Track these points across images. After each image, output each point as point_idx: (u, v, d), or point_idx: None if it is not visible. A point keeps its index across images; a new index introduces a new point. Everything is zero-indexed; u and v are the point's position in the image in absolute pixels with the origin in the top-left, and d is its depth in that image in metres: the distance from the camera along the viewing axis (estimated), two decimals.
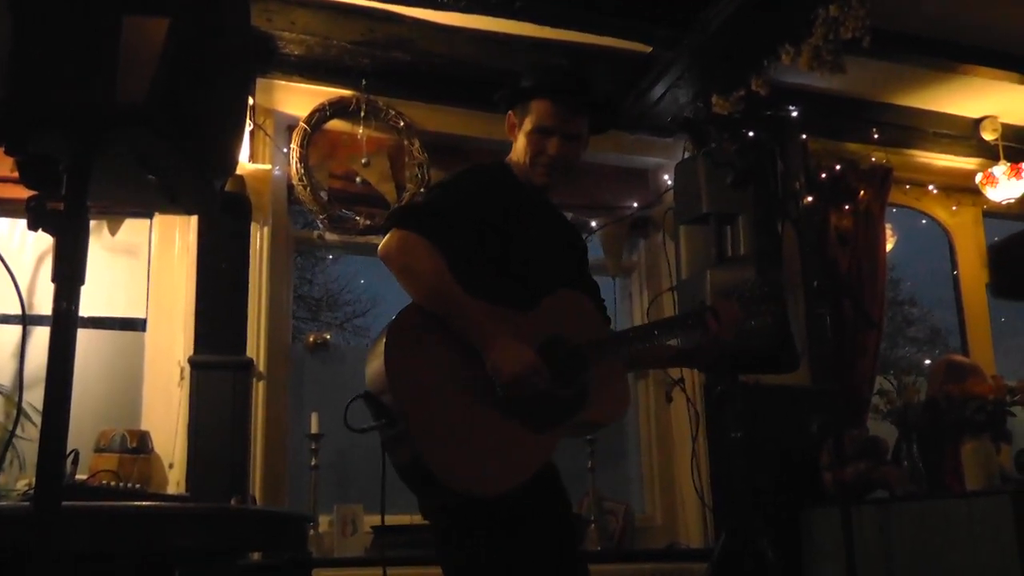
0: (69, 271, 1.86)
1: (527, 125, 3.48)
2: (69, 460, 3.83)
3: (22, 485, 4.55)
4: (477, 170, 3.50)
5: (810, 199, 6.99)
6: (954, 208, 7.99)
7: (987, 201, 7.70)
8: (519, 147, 3.51)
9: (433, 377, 3.00)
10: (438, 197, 3.32)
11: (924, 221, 8.09)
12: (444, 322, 3.06)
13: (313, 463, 5.68)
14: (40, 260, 5.60)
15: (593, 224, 6.82)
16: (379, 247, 3.18)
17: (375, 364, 3.01)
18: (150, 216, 5.88)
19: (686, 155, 5.49)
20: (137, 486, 4.34)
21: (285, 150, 6.14)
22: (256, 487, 5.54)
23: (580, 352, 3.27)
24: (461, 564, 3.12)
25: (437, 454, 2.87)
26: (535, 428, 3.09)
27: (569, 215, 6.36)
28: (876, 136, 7.31)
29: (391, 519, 5.58)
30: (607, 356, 3.38)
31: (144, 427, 5.47)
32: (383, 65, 6.27)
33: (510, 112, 3.59)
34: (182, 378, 5.59)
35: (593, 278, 3.72)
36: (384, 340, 2.97)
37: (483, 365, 3.04)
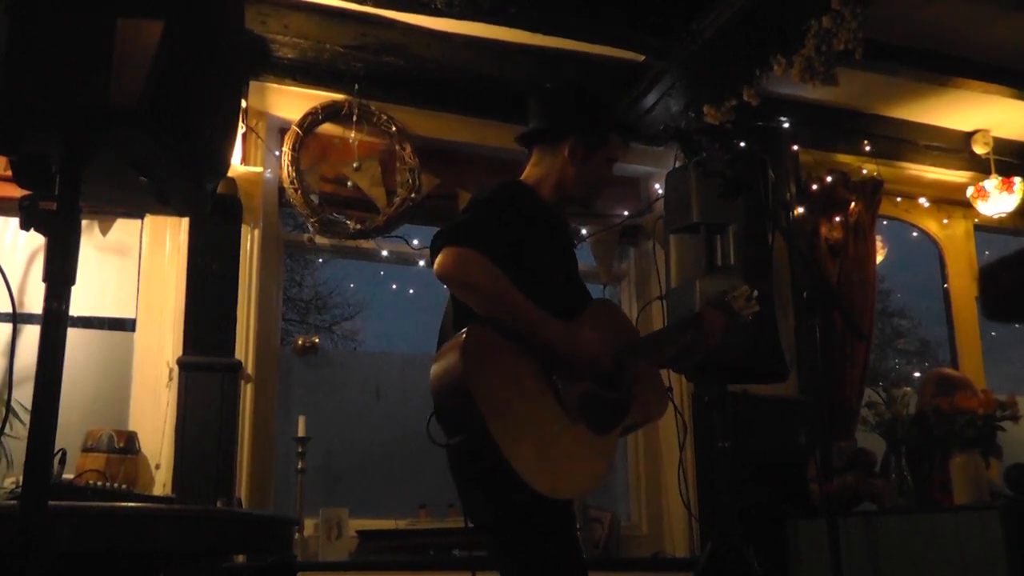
0: (60, 271, 1.87)
1: (602, 155, 3.69)
2: (56, 459, 3.83)
3: (9, 483, 4.54)
4: (512, 188, 3.58)
5: (801, 210, 7.01)
6: (945, 221, 8.01)
7: (978, 214, 7.72)
8: (587, 175, 3.69)
9: (507, 388, 3.08)
10: (481, 215, 3.37)
11: (915, 233, 8.10)
12: (509, 335, 3.15)
13: (299, 466, 5.67)
14: (32, 259, 5.59)
15: (584, 232, 6.82)
16: (435, 267, 3.24)
17: (451, 377, 3.05)
18: (141, 217, 5.87)
19: (677, 164, 5.47)
20: (124, 486, 4.33)
21: (277, 153, 6.14)
22: (242, 489, 5.53)
23: (621, 357, 3.38)
24: (529, 569, 3.22)
25: (522, 460, 2.95)
26: (597, 432, 3.25)
27: None
28: (867, 148, 7.32)
29: (378, 524, 5.62)
30: (643, 359, 3.53)
31: (132, 427, 5.46)
32: (376, 69, 6.28)
33: (575, 137, 3.67)
34: (170, 379, 5.58)
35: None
36: (461, 354, 3.02)
37: (548, 374, 3.18)
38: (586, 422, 3.21)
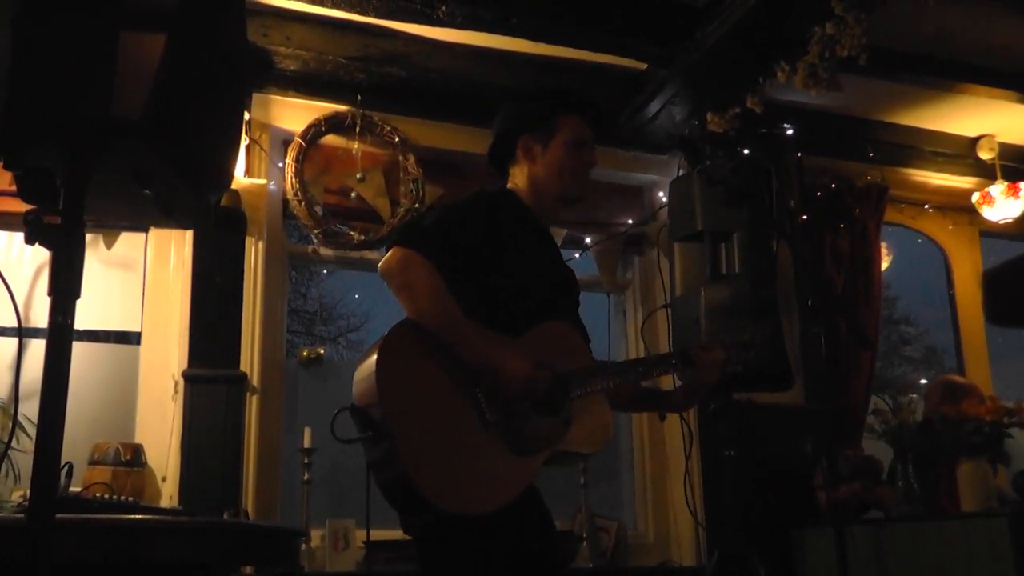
0: (65, 285, 1.87)
1: (560, 141, 3.56)
2: (63, 472, 3.84)
3: (16, 497, 4.55)
4: (484, 196, 3.49)
5: (805, 217, 6.99)
6: (950, 227, 8.00)
7: (984, 220, 7.70)
8: (550, 168, 3.57)
9: (421, 395, 3.00)
10: (442, 218, 3.31)
11: (920, 240, 8.09)
12: (436, 342, 3.06)
13: (306, 477, 5.66)
14: (37, 273, 5.59)
15: (588, 240, 6.83)
16: (380, 263, 3.17)
17: (365, 378, 3.02)
18: (146, 230, 5.87)
19: (681, 172, 5.47)
20: (130, 499, 4.34)
21: (280, 165, 6.14)
22: (249, 501, 5.53)
23: (563, 380, 3.26)
24: None
25: (422, 472, 2.86)
26: (518, 452, 3.09)
27: (564, 231, 6.41)
28: (872, 154, 7.31)
29: (384, 534, 5.62)
30: (588, 386, 3.35)
31: (138, 440, 5.47)
32: (378, 80, 6.28)
33: (524, 138, 3.62)
34: (176, 392, 5.58)
35: (582, 321, 3.68)
36: (376, 355, 2.98)
37: (471, 387, 3.05)
38: (508, 440, 3.07)
